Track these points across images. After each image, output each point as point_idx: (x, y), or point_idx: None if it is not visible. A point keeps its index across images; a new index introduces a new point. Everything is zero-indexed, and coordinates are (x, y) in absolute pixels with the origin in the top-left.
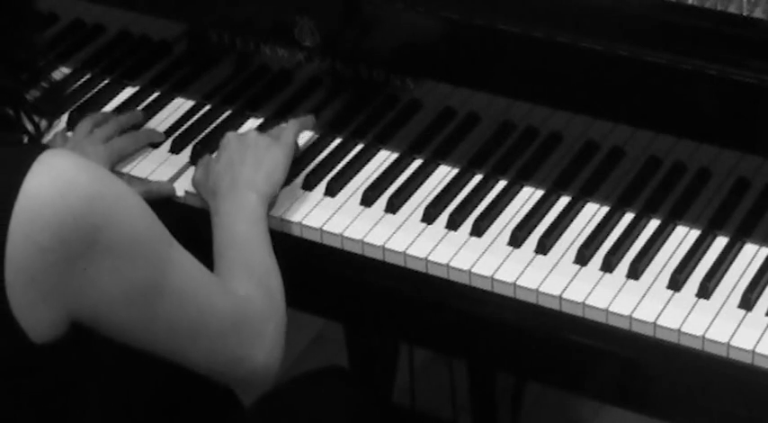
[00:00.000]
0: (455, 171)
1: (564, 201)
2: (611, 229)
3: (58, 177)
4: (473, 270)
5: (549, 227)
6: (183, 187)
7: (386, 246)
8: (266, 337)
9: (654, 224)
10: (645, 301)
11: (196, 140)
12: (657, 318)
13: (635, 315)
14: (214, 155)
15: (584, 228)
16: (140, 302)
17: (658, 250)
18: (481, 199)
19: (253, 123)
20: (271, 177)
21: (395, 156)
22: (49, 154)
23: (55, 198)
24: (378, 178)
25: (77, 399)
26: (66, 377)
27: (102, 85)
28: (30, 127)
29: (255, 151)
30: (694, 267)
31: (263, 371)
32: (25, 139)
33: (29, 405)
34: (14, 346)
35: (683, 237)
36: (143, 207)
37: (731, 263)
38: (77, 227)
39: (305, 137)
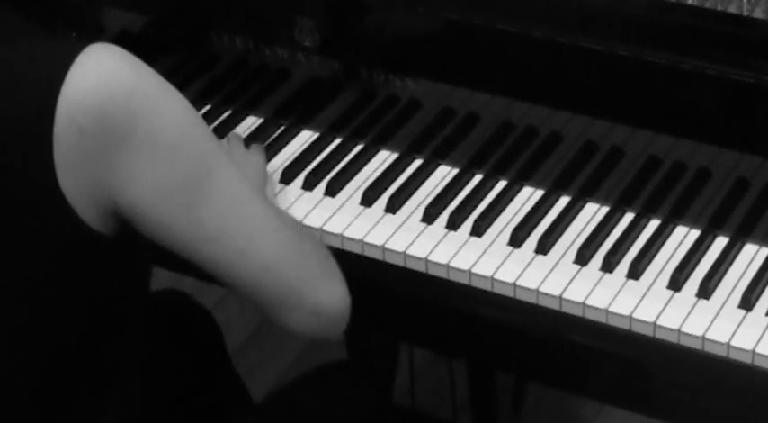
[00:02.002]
0: (455, 171)
1: (564, 201)
2: (611, 229)
3: (103, 65)
4: (473, 270)
5: (549, 227)
6: None
7: (386, 246)
8: (332, 265)
9: (654, 224)
10: (645, 301)
11: None
12: (657, 318)
13: (635, 315)
14: None
15: (584, 228)
16: (182, 201)
17: (658, 250)
18: (481, 199)
19: (253, 123)
20: (260, 170)
21: (395, 156)
22: (96, 46)
23: (98, 84)
24: (378, 178)
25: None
26: (123, 280)
27: None
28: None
29: (241, 151)
30: (694, 267)
31: (337, 304)
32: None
33: (81, 301)
34: (69, 230)
35: (683, 237)
36: (188, 105)
37: (731, 263)
38: (118, 112)
39: (305, 137)
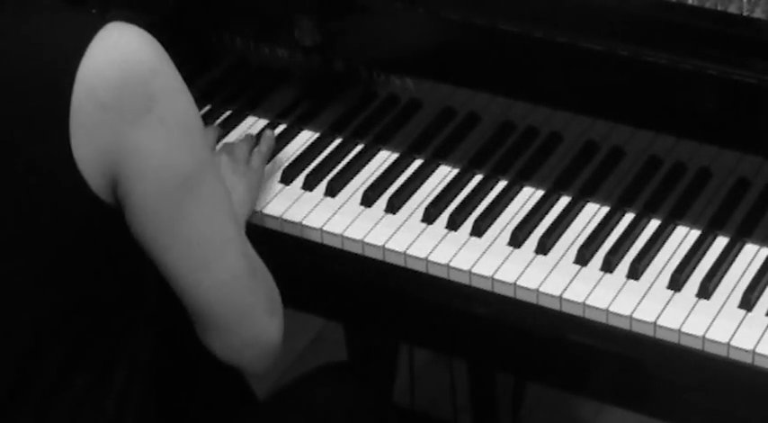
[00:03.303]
0: (455, 171)
1: (564, 201)
2: (612, 229)
3: (127, 43)
4: (473, 270)
5: (550, 227)
6: None
7: (386, 246)
8: (278, 307)
9: (654, 224)
10: (645, 301)
11: None
12: (658, 318)
13: (635, 315)
14: None
15: (585, 228)
16: (173, 192)
17: (659, 250)
18: (481, 199)
19: (253, 123)
20: (246, 203)
21: (395, 156)
22: (118, 23)
23: (121, 58)
24: (378, 178)
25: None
26: (133, 250)
27: None
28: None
29: (230, 177)
30: (695, 267)
31: (271, 342)
32: None
33: (99, 272)
34: (80, 200)
35: (683, 237)
36: (196, 106)
37: (731, 263)
38: (136, 91)
39: (305, 137)
